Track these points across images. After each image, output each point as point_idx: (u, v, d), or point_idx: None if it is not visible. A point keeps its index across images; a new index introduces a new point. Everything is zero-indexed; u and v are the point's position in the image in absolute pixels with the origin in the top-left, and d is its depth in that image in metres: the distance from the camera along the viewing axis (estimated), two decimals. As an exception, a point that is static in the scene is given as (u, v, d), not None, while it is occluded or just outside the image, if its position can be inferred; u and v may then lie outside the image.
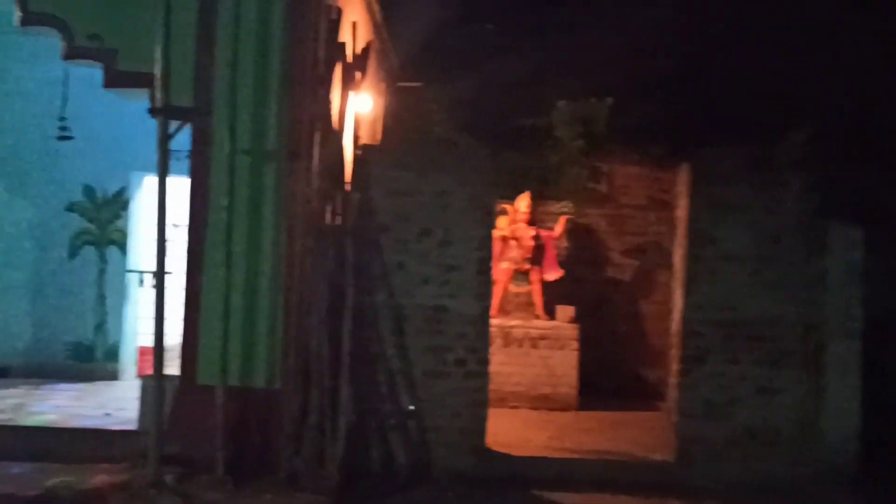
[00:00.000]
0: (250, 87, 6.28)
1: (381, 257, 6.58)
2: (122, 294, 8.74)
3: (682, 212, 7.06)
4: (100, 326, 8.68)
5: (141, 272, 8.88)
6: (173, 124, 5.99)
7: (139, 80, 6.25)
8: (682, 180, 7.10)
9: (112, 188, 8.74)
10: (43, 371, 8.51)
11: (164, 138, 5.87)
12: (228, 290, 6.12)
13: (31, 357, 8.59)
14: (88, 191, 8.72)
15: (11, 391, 7.78)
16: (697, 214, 6.64)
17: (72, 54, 6.41)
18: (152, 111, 6.10)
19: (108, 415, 6.88)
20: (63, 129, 7.74)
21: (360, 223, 6.50)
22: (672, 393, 7.16)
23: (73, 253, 8.71)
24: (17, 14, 6.42)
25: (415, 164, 6.66)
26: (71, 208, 8.70)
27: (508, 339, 8.62)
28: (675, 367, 6.99)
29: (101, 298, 8.69)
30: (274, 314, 6.26)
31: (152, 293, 9.03)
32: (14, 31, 7.45)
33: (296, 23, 6.30)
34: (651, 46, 10.36)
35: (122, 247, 8.75)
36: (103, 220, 8.74)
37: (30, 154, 8.70)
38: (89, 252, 8.73)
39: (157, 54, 5.86)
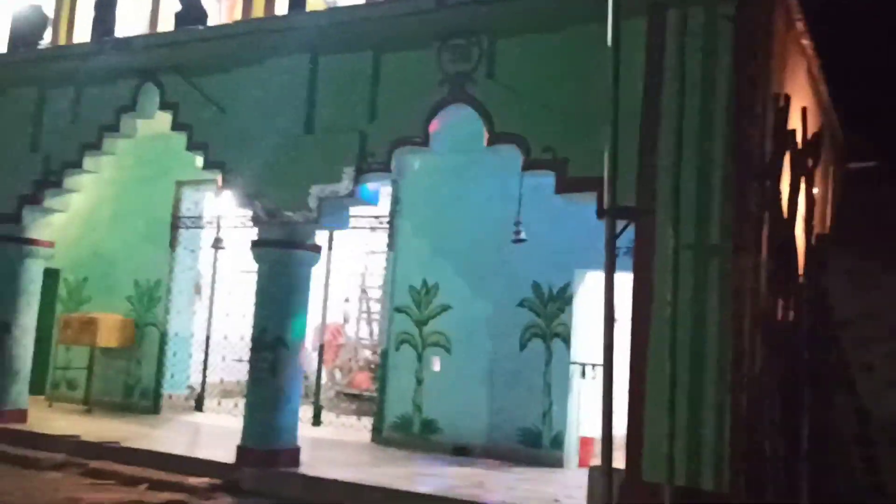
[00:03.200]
0: (693, 183, 6.33)
1: (842, 357, 5.96)
2: (565, 384, 9.20)
3: None
4: (546, 415, 9.21)
5: (583, 364, 9.29)
6: (619, 223, 6.27)
7: (587, 184, 6.72)
8: None
9: (557, 285, 9.37)
10: (496, 453, 9.27)
11: (612, 237, 6.16)
12: (673, 386, 6.08)
13: (487, 439, 9.43)
14: (536, 287, 9.46)
15: (471, 470, 8.59)
16: None
17: (529, 166, 7.15)
18: (600, 212, 6.47)
19: (556, 502, 7.17)
20: (517, 232, 8.57)
21: (815, 319, 6.00)
22: None
23: (523, 345, 9.46)
24: (485, 135, 7.38)
25: (880, 255, 5.99)
26: (521, 304, 9.51)
27: None
28: None
29: (547, 388, 9.25)
30: (721, 413, 6.03)
31: (594, 384, 9.49)
32: (476, 150, 8.61)
33: (740, 116, 6.23)
34: None
35: (566, 339, 9.25)
36: (549, 315, 9.38)
37: (486, 256, 9.78)
38: (536, 344, 9.41)
39: (605, 161, 6.24)
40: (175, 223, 11.94)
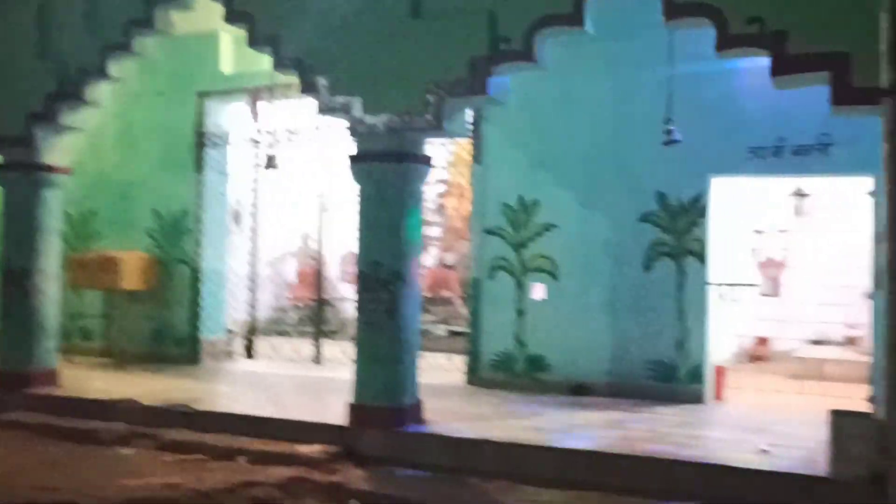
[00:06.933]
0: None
1: None
2: (701, 309, 8.01)
3: None
4: (680, 344, 8.03)
5: (719, 285, 8.10)
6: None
7: (819, 62, 5.34)
8: None
9: (688, 194, 8.05)
10: (622, 390, 8.10)
11: (895, 125, 4.81)
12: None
13: (611, 375, 8.23)
14: (662, 198, 8.14)
15: (618, 414, 7.39)
16: None
17: (728, 44, 5.70)
18: (842, 97, 5.12)
19: (764, 451, 6.03)
20: (669, 132, 7.14)
21: None
22: None
23: (648, 266, 8.18)
24: (662, 9, 5.89)
25: None
26: (644, 218, 8.19)
27: None
28: None
29: (681, 314, 8.04)
30: None
31: (731, 308, 8.33)
32: (594, 39, 7.01)
33: None
34: None
35: (701, 258, 8.01)
36: (679, 230, 8.09)
37: (598, 165, 8.39)
38: (665, 264, 8.14)
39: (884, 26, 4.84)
40: (200, 142, 10.17)
